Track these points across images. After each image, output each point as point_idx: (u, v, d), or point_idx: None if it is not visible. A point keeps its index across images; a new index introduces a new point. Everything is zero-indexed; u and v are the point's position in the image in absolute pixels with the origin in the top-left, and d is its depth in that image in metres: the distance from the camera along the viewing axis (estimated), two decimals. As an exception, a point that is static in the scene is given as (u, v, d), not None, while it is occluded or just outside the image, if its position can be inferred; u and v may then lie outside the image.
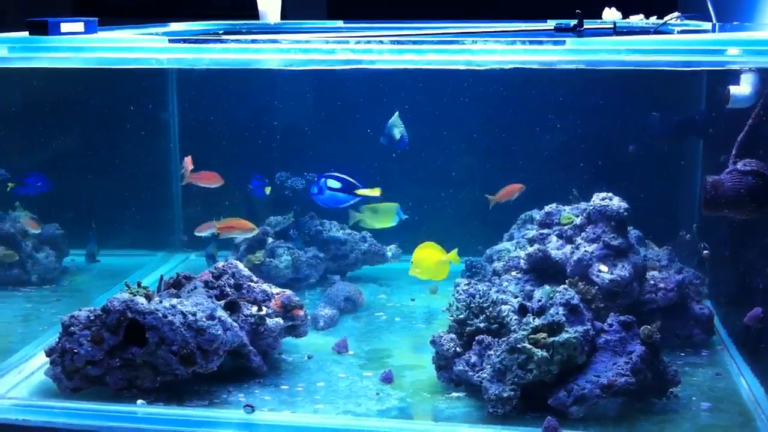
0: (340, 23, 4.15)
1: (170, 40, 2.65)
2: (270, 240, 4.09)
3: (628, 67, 2.45)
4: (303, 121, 4.51)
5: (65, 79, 3.93)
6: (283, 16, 4.30)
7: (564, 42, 2.43)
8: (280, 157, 4.50)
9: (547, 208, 3.67)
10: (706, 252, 3.67)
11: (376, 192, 3.71)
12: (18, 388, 3.00)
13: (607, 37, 2.63)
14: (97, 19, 2.85)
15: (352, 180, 3.73)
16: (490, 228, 4.13)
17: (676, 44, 2.50)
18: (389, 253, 4.26)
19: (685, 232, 3.84)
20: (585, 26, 2.88)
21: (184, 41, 2.66)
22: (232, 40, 2.67)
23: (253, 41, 2.68)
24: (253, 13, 4.31)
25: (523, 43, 2.45)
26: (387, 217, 3.93)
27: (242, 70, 4.00)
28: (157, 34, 3.33)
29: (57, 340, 2.95)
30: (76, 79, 3.95)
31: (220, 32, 3.98)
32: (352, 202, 3.78)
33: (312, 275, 4.09)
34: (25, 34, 2.72)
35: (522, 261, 3.46)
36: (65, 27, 2.69)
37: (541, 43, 2.45)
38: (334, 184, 3.73)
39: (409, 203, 4.12)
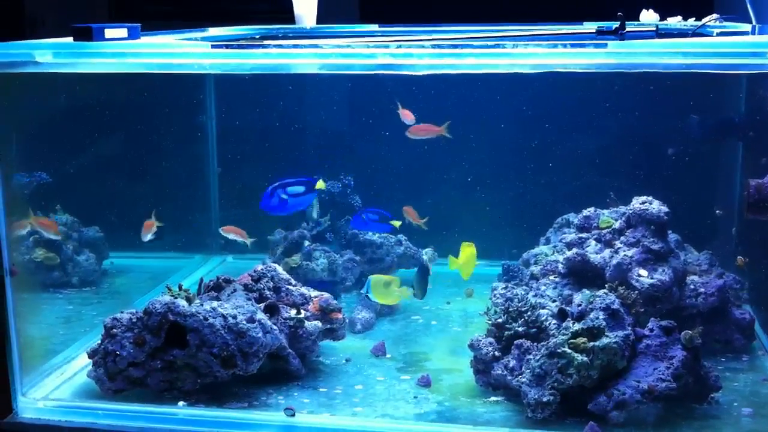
0: (375, 27, 4.15)
1: (213, 46, 2.67)
2: (307, 243, 4.10)
3: (671, 71, 2.43)
4: (339, 124, 4.52)
5: (104, 84, 3.96)
6: (317, 20, 4.31)
7: (606, 45, 2.42)
8: (317, 159, 4.51)
9: (585, 212, 3.65)
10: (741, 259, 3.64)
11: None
12: (61, 389, 3.04)
13: (650, 39, 2.60)
14: (140, 24, 2.87)
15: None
16: (526, 231, 4.12)
17: (718, 47, 2.48)
18: (425, 256, 4.26)
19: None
20: (627, 29, 2.86)
21: (227, 46, 2.68)
22: (274, 45, 2.68)
23: (295, 46, 2.69)
24: (288, 17, 4.33)
25: (565, 46, 2.44)
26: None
27: (279, 74, 4.01)
28: (197, 39, 3.36)
29: (99, 342, 2.99)
30: (114, 84, 3.99)
31: (257, 37, 4.00)
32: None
33: (348, 278, 4.10)
34: (69, 39, 2.75)
35: (560, 265, 3.44)
36: (109, 33, 2.72)
37: (583, 46, 2.44)
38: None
39: (444, 206, 4.11)
